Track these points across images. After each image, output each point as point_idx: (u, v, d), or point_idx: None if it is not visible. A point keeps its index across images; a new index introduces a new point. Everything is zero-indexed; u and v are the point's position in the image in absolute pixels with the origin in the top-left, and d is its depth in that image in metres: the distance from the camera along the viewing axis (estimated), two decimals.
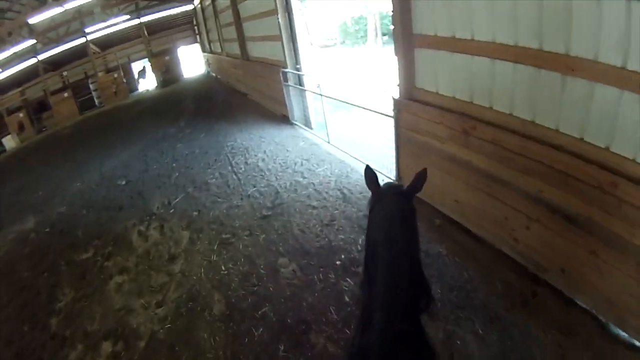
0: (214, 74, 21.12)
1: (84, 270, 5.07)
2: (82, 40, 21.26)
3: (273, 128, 8.84)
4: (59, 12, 15.29)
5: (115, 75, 22.91)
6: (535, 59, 2.69)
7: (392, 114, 4.53)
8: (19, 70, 20.13)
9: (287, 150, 7.21)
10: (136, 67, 25.83)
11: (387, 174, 5.00)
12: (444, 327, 2.93)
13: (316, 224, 4.62)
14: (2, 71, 19.32)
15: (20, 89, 20.98)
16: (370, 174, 2.04)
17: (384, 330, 1.60)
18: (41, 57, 20.33)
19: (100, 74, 22.81)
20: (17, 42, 17.24)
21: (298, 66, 8.12)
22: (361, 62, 16.28)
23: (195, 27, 25.69)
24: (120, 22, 21.99)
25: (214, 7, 15.73)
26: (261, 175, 6.37)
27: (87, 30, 20.88)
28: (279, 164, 6.67)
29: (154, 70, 24.21)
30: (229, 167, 7.08)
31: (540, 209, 2.87)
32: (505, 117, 3.12)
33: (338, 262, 3.85)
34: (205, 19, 20.36)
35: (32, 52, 19.64)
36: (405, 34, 3.98)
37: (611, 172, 2.31)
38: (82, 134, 15.90)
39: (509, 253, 3.39)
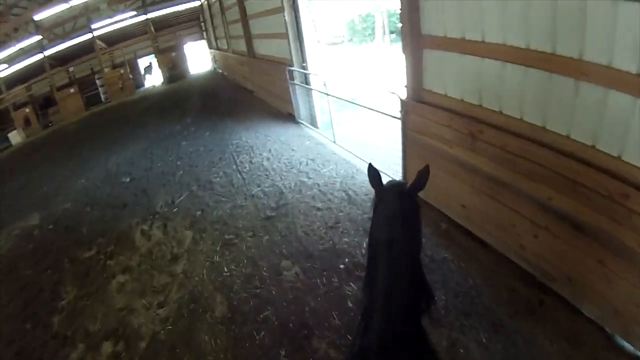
0: (220, 71, 21.15)
1: (87, 268, 5.09)
2: (88, 36, 21.40)
3: (279, 126, 8.83)
4: (64, 8, 15.36)
5: (122, 71, 23.02)
6: (547, 63, 2.64)
7: (399, 115, 4.50)
8: (26, 66, 20.32)
9: (293, 150, 7.19)
10: (143, 63, 25.95)
11: (393, 175, 4.95)
12: (448, 334, 2.90)
13: (320, 226, 4.59)
14: (9, 67, 19.49)
15: (26, 84, 21.16)
16: (373, 172, 2.03)
17: (384, 331, 1.59)
18: (47, 52, 20.50)
19: (106, 70, 22.94)
20: (23, 38, 17.38)
21: (304, 64, 8.09)
22: (368, 60, 16.22)
23: (202, 24, 25.73)
24: (127, 18, 22.08)
25: (221, 3, 15.73)
26: (266, 174, 6.36)
27: (93, 26, 21.02)
28: (284, 163, 6.66)
29: (160, 66, 24.31)
30: (234, 166, 7.07)
31: (549, 216, 2.83)
32: (515, 122, 3.07)
33: (342, 266, 3.83)
34: (212, 16, 20.36)
35: (39, 47, 19.80)
36: (414, 34, 3.93)
37: (623, 182, 2.26)
38: (88, 129, 15.98)
39: (515, 260, 3.34)
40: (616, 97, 2.27)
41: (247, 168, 6.83)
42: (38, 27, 17.88)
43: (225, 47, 17.56)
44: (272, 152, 7.33)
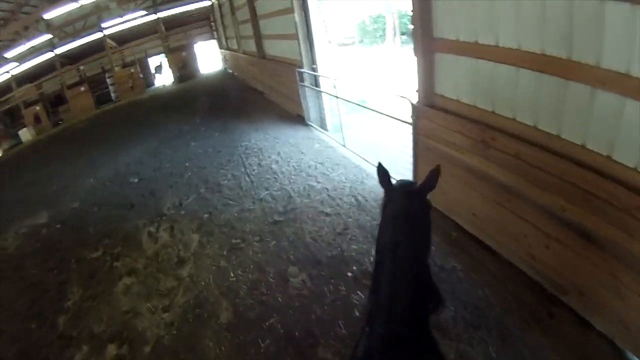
0: (230, 71, 21.27)
1: (93, 269, 5.14)
2: (99, 34, 21.67)
3: (288, 128, 8.83)
4: (74, 7, 15.57)
5: (132, 70, 23.29)
6: (563, 70, 2.59)
7: (410, 120, 4.47)
8: (37, 64, 20.63)
9: (302, 153, 7.19)
10: (153, 62, 26.20)
11: None
12: (457, 347, 2.87)
13: (329, 232, 4.57)
14: (19, 65, 19.80)
15: (37, 82, 21.49)
16: (382, 172, 2.02)
17: (387, 333, 1.60)
18: (58, 51, 20.80)
19: (117, 69, 23.25)
20: (33, 37, 17.64)
21: (314, 66, 8.09)
22: (379, 62, 16.18)
23: (213, 24, 25.91)
24: (138, 17, 22.30)
25: (231, 3, 15.83)
26: (274, 178, 6.36)
27: (104, 25, 21.27)
28: (293, 166, 6.65)
29: (170, 65, 24.53)
30: (242, 168, 7.09)
31: (561, 227, 2.78)
32: (529, 130, 3.02)
33: (349, 274, 3.80)
34: (222, 16, 20.51)
35: (49, 46, 20.11)
36: (425, 37, 3.90)
37: (639, 194, 2.21)
38: (98, 128, 16.20)
39: (526, 271, 3.30)
40: (634, 107, 2.22)
41: (256, 171, 6.84)
42: (49, 26, 18.14)
43: (236, 47, 17.66)
44: (281, 154, 7.32)
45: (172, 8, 23.63)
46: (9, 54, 17.81)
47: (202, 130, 10.62)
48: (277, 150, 7.62)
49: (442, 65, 3.91)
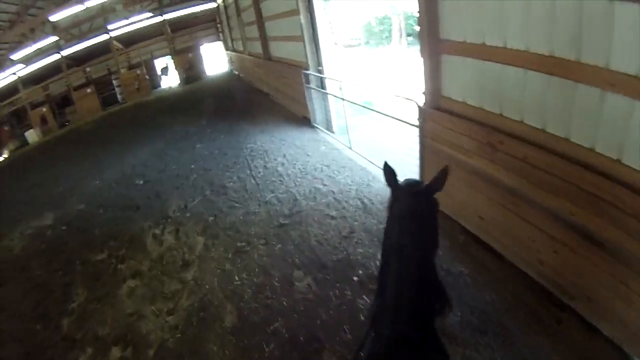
0: (236, 73, 21.33)
1: (98, 271, 5.18)
2: (105, 36, 21.84)
3: (294, 130, 8.83)
4: (80, 9, 15.73)
5: (138, 72, 23.45)
6: (572, 72, 2.56)
7: (416, 122, 4.46)
8: (43, 66, 20.83)
9: (308, 155, 7.18)
10: (159, 64, 26.35)
11: None
12: (463, 352, 2.85)
13: (334, 236, 4.56)
14: (26, 66, 20.01)
15: (43, 83, 21.71)
16: (388, 171, 2.03)
17: (392, 335, 1.60)
18: (64, 53, 20.99)
19: (123, 71, 23.40)
20: (39, 39, 17.82)
21: (320, 68, 8.09)
22: (385, 63, 16.14)
23: (219, 25, 26.00)
24: (144, 19, 22.44)
25: (237, 5, 15.89)
26: (280, 180, 6.36)
27: (109, 27, 21.43)
28: (299, 169, 6.64)
29: (176, 67, 24.64)
30: (248, 171, 7.10)
31: (570, 232, 2.75)
32: (537, 133, 2.99)
33: (355, 278, 3.78)
34: (228, 17, 20.57)
35: (56, 48, 20.30)
36: (432, 39, 3.87)
37: None
38: (104, 129, 16.34)
39: (533, 276, 3.27)
40: None
41: (261, 173, 6.85)
42: (55, 28, 18.33)
43: (242, 48, 17.71)
44: (287, 157, 7.33)
45: (178, 10, 23.75)
46: (15, 56, 18.01)
47: (208, 132, 10.66)
48: (283, 152, 7.62)
49: (448, 67, 3.89)
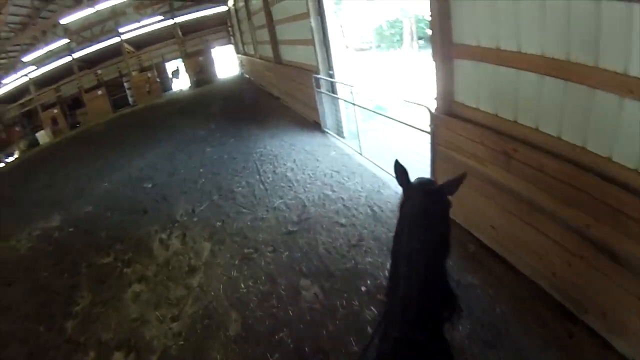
0: (247, 76, 21.45)
1: (103, 274, 5.20)
2: (116, 39, 22.16)
3: (304, 135, 8.81)
4: (91, 12, 15.99)
5: (149, 75, 23.74)
6: (589, 77, 2.49)
7: (428, 128, 4.40)
8: (54, 68, 21.21)
9: (317, 160, 7.14)
10: (170, 67, 26.65)
11: None
12: None
13: (343, 244, 4.50)
14: (37, 68, 20.36)
15: (55, 85, 22.07)
16: (400, 170, 2.00)
17: (399, 337, 1.60)
18: (76, 55, 21.35)
19: (134, 73, 23.72)
20: (51, 41, 18.12)
21: (331, 72, 8.07)
22: (397, 67, 16.14)
23: (230, 29, 26.21)
24: (155, 23, 22.72)
25: (248, 9, 16.01)
26: (289, 186, 6.32)
27: (121, 30, 21.76)
28: (308, 174, 6.61)
29: (187, 70, 24.89)
30: (257, 176, 7.08)
31: (585, 245, 2.67)
32: (552, 141, 2.92)
33: (363, 288, 3.72)
34: (239, 21, 20.73)
35: (67, 50, 20.65)
36: (444, 43, 3.81)
37: None
38: (114, 131, 16.53)
39: (546, 288, 3.19)
40: None
41: (270, 178, 6.82)
42: (66, 30, 18.63)
43: (252, 52, 17.80)
44: (297, 162, 7.29)
45: (189, 13, 24.06)
46: (27, 58, 18.32)
47: (217, 136, 10.69)
48: (293, 157, 7.59)
49: (462, 72, 3.83)
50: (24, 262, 6.36)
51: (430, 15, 3.91)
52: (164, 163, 9.44)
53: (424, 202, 1.84)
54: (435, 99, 4.19)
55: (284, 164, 7.33)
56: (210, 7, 24.06)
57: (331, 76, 8.01)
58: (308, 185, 6.18)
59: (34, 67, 20.31)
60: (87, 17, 18.14)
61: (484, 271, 3.65)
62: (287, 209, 5.58)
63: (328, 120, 8.52)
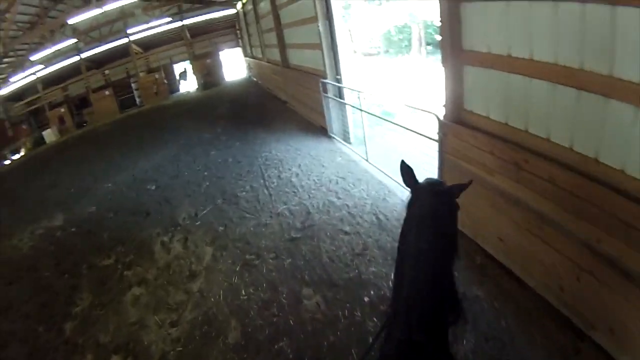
0: (255, 79, 21.52)
1: (104, 276, 5.21)
2: (124, 40, 22.33)
3: (310, 140, 8.78)
4: (98, 12, 16.14)
5: (157, 76, 23.87)
6: (604, 87, 2.43)
7: (436, 136, 4.35)
8: (62, 67, 21.40)
9: (323, 166, 7.10)
10: (178, 68, 26.81)
11: None
12: None
13: (347, 253, 4.45)
14: (45, 67, 20.55)
15: (62, 84, 22.27)
16: (406, 170, 2.01)
17: (402, 338, 1.60)
18: (84, 55, 21.55)
19: (141, 74, 23.88)
20: (59, 41, 18.30)
21: (338, 77, 8.05)
22: (405, 72, 16.12)
23: (238, 32, 26.34)
24: (163, 24, 22.88)
25: (256, 12, 16.08)
26: (293, 191, 6.28)
27: (129, 30, 21.91)
28: (313, 180, 6.56)
29: (195, 72, 25.00)
30: (261, 180, 7.05)
31: (595, 259, 2.61)
32: (564, 151, 2.86)
33: (366, 299, 3.67)
34: (247, 24, 20.85)
35: (75, 50, 20.84)
36: (454, 49, 3.77)
37: None
38: (120, 132, 16.64)
39: (553, 303, 3.13)
40: None
41: (275, 183, 6.79)
42: (75, 30, 18.80)
43: (260, 55, 17.88)
44: (302, 167, 7.26)
45: (198, 15, 24.20)
46: (35, 57, 18.49)
47: (223, 139, 10.70)
48: (298, 162, 7.56)
49: (471, 79, 3.78)
50: (26, 261, 6.39)
51: (440, 21, 3.87)
52: (169, 165, 9.46)
53: (433, 202, 1.85)
54: (443, 106, 4.15)
55: (289, 169, 7.30)
56: (219, 10, 24.20)
57: (338, 81, 8.00)
58: (313, 192, 6.14)
59: (41, 66, 20.48)
60: (96, 18, 18.27)
61: (490, 283, 3.59)
62: (291, 215, 5.54)
63: (334, 126, 8.49)
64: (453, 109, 4.03)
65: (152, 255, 5.38)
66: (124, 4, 16.98)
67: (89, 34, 20.60)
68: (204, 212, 6.31)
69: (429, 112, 4.43)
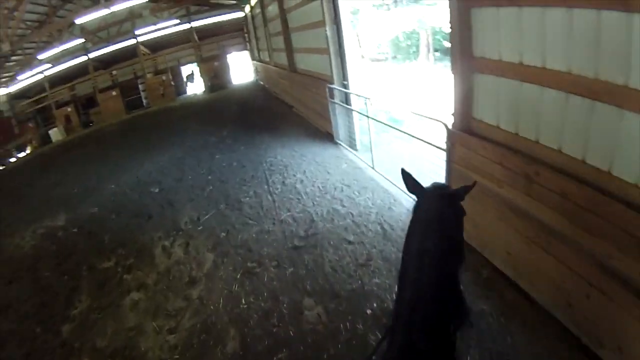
0: (262, 83, 21.59)
1: (103, 279, 5.21)
2: (132, 41, 22.53)
3: (316, 146, 8.74)
4: (106, 13, 16.31)
5: (164, 78, 24.01)
6: (619, 98, 2.36)
7: (444, 145, 4.29)
8: (70, 67, 21.62)
9: (328, 173, 7.04)
10: (185, 70, 26.96)
11: None
12: None
13: (350, 263, 4.38)
14: (53, 66, 20.74)
15: (70, 84, 22.46)
16: (407, 177, 2.04)
17: (404, 344, 1.58)
18: (91, 55, 21.78)
19: (149, 75, 24.02)
20: (67, 41, 18.47)
21: (345, 82, 8.02)
22: (412, 79, 16.09)
23: (246, 35, 26.46)
24: (171, 26, 23.06)
25: (264, 15, 16.13)
26: (297, 198, 6.23)
27: (137, 32, 22.14)
28: (318, 187, 6.51)
29: (202, 75, 25.12)
30: (265, 186, 7.01)
31: (606, 276, 2.55)
32: (576, 164, 2.78)
33: (369, 311, 3.60)
34: (255, 27, 20.94)
35: (83, 50, 21.05)
36: (464, 56, 3.70)
37: None
38: (126, 132, 16.75)
39: (561, 319, 3.06)
40: None
41: (279, 189, 6.74)
42: (83, 30, 18.98)
43: (267, 59, 17.93)
44: (307, 173, 7.21)
45: (206, 18, 24.41)
46: (42, 56, 18.67)
47: (228, 143, 10.68)
48: (303, 168, 7.51)
49: (481, 87, 3.70)
50: (27, 260, 6.43)
51: (450, 27, 3.80)
52: (173, 168, 9.45)
53: (438, 205, 1.86)
54: (452, 114, 4.08)
55: (294, 175, 7.25)
56: (227, 13, 24.36)
57: (345, 86, 7.96)
58: (317, 199, 6.08)
59: (49, 65, 20.68)
60: (104, 18, 18.46)
61: (497, 298, 3.52)
62: (294, 223, 5.49)
63: (341, 132, 8.45)
64: (462, 118, 3.96)
65: (152, 260, 5.35)
66: (132, 4, 17.14)
67: (97, 34, 20.80)
68: (207, 216, 6.28)
69: (436, 120, 4.37)
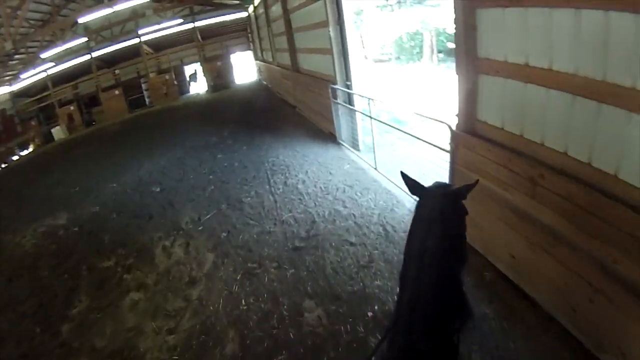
0: (265, 83, 21.58)
1: (103, 279, 5.20)
2: (135, 40, 22.60)
3: (318, 147, 8.71)
4: (110, 12, 16.36)
5: (167, 77, 24.03)
6: (627, 100, 2.33)
7: (447, 146, 4.25)
8: (73, 65, 21.69)
9: (330, 174, 7.02)
10: (188, 70, 27.03)
11: None
12: None
13: (351, 264, 4.35)
14: (56, 65, 20.81)
15: (73, 83, 22.54)
16: (407, 178, 2.05)
17: (404, 345, 1.57)
18: (95, 54, 21.84)
19: (152, 75, 24.07)
20: (70, 39, 18.53)
21: (348, 83, 8.00)
22: (416, 80, 16.07)
23: (249, 35, 26.49)
24: (174, 26, 23.12)
25: (267, 15, 16.14)
26: (299, 199, 6.21)
27: (140, 31, 22.21)
28: (320, 188, 6.48)
29: (205, 74, 25.15)
30: (267, 186, 6.99)
31: (610, 281, 2.52)
32: (582, 167, 2.75)
33: (370, 314, 3.58)
34: (258, 27, 20.96)
35: (86, 49, 21.13)
36: (469, 57, 3.68)
37: None
38: (128, 132, 16.76)
39: (564, 323, 3.04)
40: None
41: (281, 190, 6.72)
42: (86, 29, 19.05)
43: (271, 59, 17.93)
44: (309, 174, 7.18)
45: (209, 18, 24.46)
46: (45, 54, 18.73)
47: (230, 143, 10.67)
48: (305, 169, 7.49)
49: (486, 89, 3.67)
50: (27, 258, 6.43)
51: (455, 28, 3.78)
52: (174, 168, 9.44)
53: (441, 203, 1.85)
54: (456, 115, 4.05)
55: (296, 176, 7.23)
56: (231, 13, 24.39)
57: (348, 87, 7.94)
58: (319, 199, 6.06)
59: (52, 64, 20.75)
60: (107, 17, 18.53)
61: (499, 302, 3.50)
62: (296, 223, 5.46)
63: (343, 132, 8.42)
64: (466, 119, 3.93)
65: (152, 260, 5.34)
66: (135, 4, 17.17)
67: (100, 33, 20.89)
68: (207, 217, 6.26)
69: (440, 121, 4.34)
